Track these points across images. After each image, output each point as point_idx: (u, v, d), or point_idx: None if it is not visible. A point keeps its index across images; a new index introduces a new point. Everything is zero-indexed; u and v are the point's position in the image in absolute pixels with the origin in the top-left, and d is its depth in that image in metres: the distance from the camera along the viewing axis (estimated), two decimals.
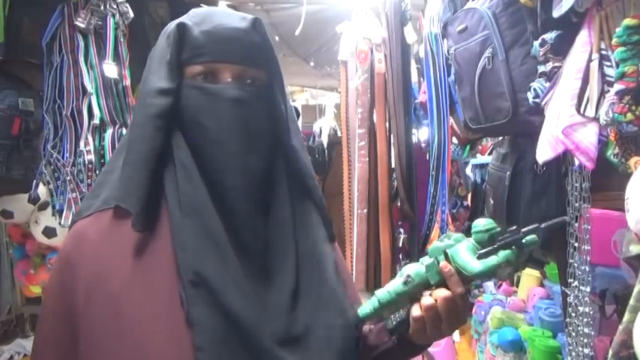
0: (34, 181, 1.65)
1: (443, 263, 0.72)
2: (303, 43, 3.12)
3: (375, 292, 0.77)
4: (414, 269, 0.75)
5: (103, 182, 0.80)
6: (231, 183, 0.72)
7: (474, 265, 0.70)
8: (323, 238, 0.82)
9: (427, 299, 0.72)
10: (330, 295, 0.77)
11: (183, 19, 0.76)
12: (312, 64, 3.54)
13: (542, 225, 0.71)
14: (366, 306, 0.78)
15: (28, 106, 1.69)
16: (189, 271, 0.68)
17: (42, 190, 1.70)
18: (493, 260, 0.69)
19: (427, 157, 2.00)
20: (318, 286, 0.77)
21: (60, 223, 1.57)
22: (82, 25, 1.56)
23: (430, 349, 2.56)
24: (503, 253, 0.69)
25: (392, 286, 0.76)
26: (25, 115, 1.67)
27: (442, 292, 0.72)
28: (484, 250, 0.71)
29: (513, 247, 0.70)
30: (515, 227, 0.71)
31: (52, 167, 1.58)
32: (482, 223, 0.72)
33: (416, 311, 0.73)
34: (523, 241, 0.70)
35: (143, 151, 0.72)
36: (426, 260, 0.75)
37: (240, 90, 0.73)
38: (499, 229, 0.72)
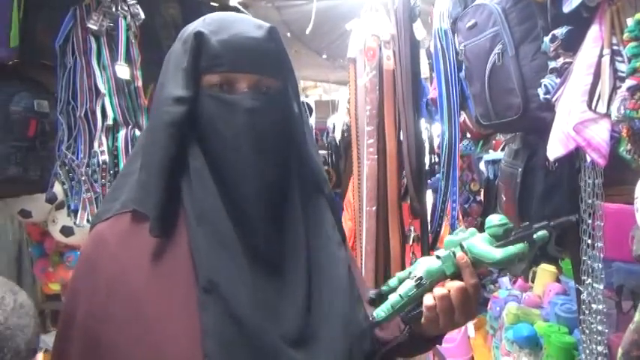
0: (50, 181, 1.68)
1: (460, 254, 0.74)
2: (314, 39, 3.13)
3: (389, 296, 0.78)
4: (425, 266, 0.76)
5: (121, 185, 0.82)
6: (245, 191, 0.73)
7: (495, 253, 0.72)
8: (336, 241, 0.83)
9: (440, 289, 0.74)
10: (341, 300, 0.78)
11: (199, 26, 0.76)
12: (324, 56, 3.53)
13: (552, 223, 0.74)
14: (381, 310, 0.79)
15: (44, 108, 1.72)
16: (203, 278, 0.70)
17: (59, 190, 1.73)
18: (512, 249, 0.72)
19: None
20: (330, 290, 0.78)
21: (75, 224, 1.60)
22: (94, 27, 1.58)
23: (445, 345, 2.56)
24: (519, 245, 0.72)
25: (404, 289, 0.77)
26: (40, 116, 1.70)
27: (456, 283, 0.73)
28: (500, 243, 0.73)
29: (526, 242, 0.73)
30: (527, 223, 0.74)
31: (67, 168, 1.61)
32: (496, 219, 0.75)
33: (429, 300, 0.74)
34: (534, 236, 0.73)
35: (157, 158, 0.74)
36: (441, 252, 0.76)
37: (256, 100, 0.74)
38: (512, 225, 0.75)
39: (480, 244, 0.74)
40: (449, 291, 0.73)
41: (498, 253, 0.72)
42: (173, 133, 0.73)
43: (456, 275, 0.75)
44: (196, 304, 0.69)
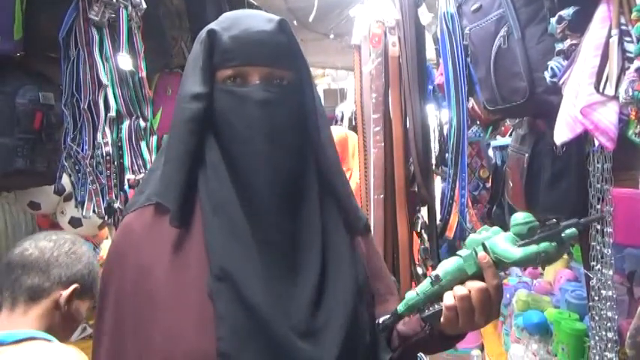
0: (58, 173, 1.69)
1: (482, 254, 0.73)
2: (321, 24, 3.11)
3: (406, 293, 0.79)
4: (443, 267, 0.76)
5: (148, 180, 0.87)
6: (258, 182, 0.75)
7: (514, 252, 0.71)
8: (347, 238, 0.85)
9: (460, 289, 0.73)
10: (349, 296, 0.79)
11: (213, 25, 0.79)
12: (331, 36, 3.51)
13: (582, 220, 0.72)
14: (400, 305, 0.79)
15: (49, 100, 1.73)
16: (215, 266, 0.72)
17: (66, 182, 1.74)
18: (533, 248, 0.70)
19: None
20: (343, 281, 0.79)
21: (82, 215, 1.61)
22: (96, 19, 1.58)
23: None
24: (543, 245, 0.70)
25: (421, 287, 0.77)
26: (46, 109, 1.71)
27: (477, 283, 0.73)
28: (524, 242, 0.71)
29: (551, 242, 0.71)
30: (554, 221, 0.72)
31: (73, 160, 1.61)
32: (521, 217, 0.73)
33: (449, 300, 0.74)
34: (563, 234, 0.71)
35: (178, 152, 0.78)
36: (463, 252, 0.75)
37: (268, 91, 0.76)
38: (537, 222, 0.73)
39: (502, 243, 0.72)
40: (469, 291, 0.72)
41: (518, 252, 0.70)
42: (192, 128, 0.77)
43: (478, 275, 0.74)
44: (209, 291, 0.73)
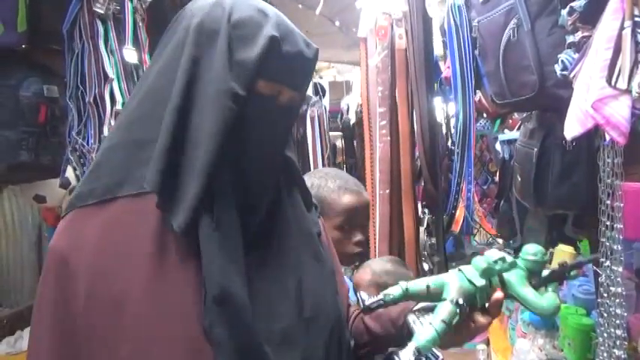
0: (62, 166, 1.69)
1: (499, 294, 0.74)
2: (325, 5, 3.07)
3: (432, 322, 0.74)
4: (461, 290, 0.74)
5: (107, 161, 0.78)
6: (255, 188, 0.74)
7: (539, 301, 0.73)
8: (312, 221, 0.87)
9: (481, 320, 0.76)
10: (328, 291, 0.81)
11: (270, 26, 0.71)
12: (337, 23, 3.45)
13: (588, 259, 0.77)
14: (425, 341, 0.73)
15: (53, 93, 1.72)
16: (213, 287, 0.66)
17: (71, 175, 1.74)
18: (553, 299, 0.73)
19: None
20: (318, 271, 0.81)
21: None
22: (101, 11, 1.57)
23: None
24: (553, 285, 0.75)
25: (447, 314, 0.73)
26: (50, 102, 1.71)
27: (483, 319, 0.75)
28: (536, 282, 0.75)
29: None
30: (564, 263, 0.77)
31: (78, 153, 1.61)
32: (532, 250, 0.75)
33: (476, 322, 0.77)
34: (569, 274, 0.76)
35: (208, 147, 0.68)
36: (475, 277, 0.74)
37: (288, 112, 0.78)
38: (546, 258, 0.77)
39: (519, 282, 0.73)
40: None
41: (545, 302, 0.72)
42: (227, 130, 0.68)
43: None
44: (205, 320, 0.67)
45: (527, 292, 0.72)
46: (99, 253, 0.67)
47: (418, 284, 0.77)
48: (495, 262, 0.74)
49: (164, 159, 0.67)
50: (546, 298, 0.72)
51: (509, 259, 0.75)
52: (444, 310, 0.73)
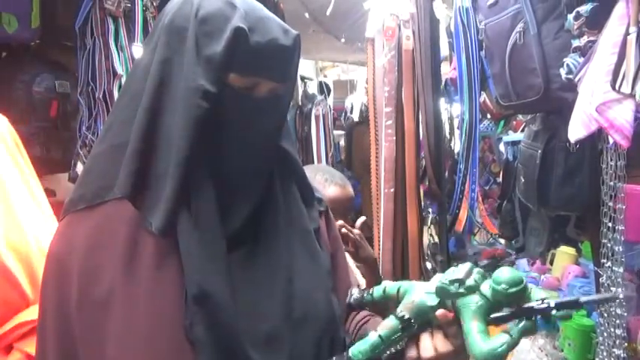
0: (72, 161, 1.71)
1: (443, 313, 0.65)
2: (333, 21, 3.08)
3: (369, 334, 0.70)
4: (416, 305, 0.67)
5: (94, 168, 0.77)
6: (240, 190, 0.72)
7: (479, 344, 0.61)
8: (310, 217, 0.82)
9: (428, 346, 0.67)
10: (319, 292, 0.77)
11: (237, 18, 0.69)
12: (342, 40, 3.48)
13: (582, 300, 0.61)
14: (357, 351, 0.69)
15: (65, 89, 1.74)
16: (193, 286, 0.66)
17: (81, 170, 1.76)
18: (497, 346, 0.60)
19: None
20: (311, 270, 0.77)
21: None
22: (112, 8, 1.59)
23: None
24: (516, 329, 0.61)
25: (386, 329, 0.68)
26: (61, 97, 1.73)
27: (445, 345, 0.66)
28: (495, 316, 0.63)
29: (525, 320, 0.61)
30: (544, 299, 0.62)
31: (88, 148, 1.63)
32: (504, 278, 0.62)
33: (412, 352, 0.69)
34: (554, 312, 0.61)
35: (179, 148, 0.68)
36: (431, 299, 0.66)
37: (270, 104, 0.74)
38: (522, 286, 0.62)
39: (472, 315, 0.62)
40: (435, 350, 0.66)
41: (485, 347, 0.60)
42: (198, 128, 0.67)
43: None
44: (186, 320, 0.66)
45: (472, 327, 0.61)
46: (87, 256, 0.68)
47: (394, 287, 0.72)
48: (452, 282, 0.64)
49: (134, 162, 0.68)
50: (490, 343, 0.60)
51: (471, 281, 0.64)
52: (386, 323, 0.68)
